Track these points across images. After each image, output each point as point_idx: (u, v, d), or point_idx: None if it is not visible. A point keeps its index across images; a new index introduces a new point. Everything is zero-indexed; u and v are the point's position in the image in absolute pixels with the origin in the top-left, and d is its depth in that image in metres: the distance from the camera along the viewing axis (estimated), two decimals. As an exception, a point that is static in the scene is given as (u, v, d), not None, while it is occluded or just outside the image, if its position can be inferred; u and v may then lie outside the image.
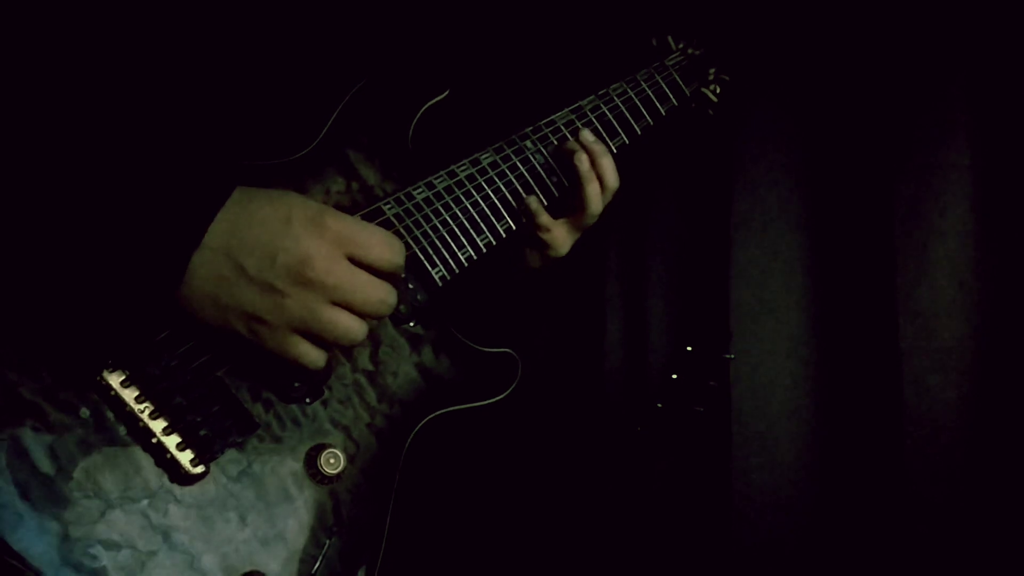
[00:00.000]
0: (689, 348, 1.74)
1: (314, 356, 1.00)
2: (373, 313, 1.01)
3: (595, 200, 1.30)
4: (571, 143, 1.31)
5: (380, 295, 1.00)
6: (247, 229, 0.95)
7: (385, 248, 1.01)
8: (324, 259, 0.96)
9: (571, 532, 1.73)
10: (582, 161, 1.28)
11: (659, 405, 1.73)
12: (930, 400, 1.62)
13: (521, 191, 1.29)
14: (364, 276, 0.99)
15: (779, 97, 1.74)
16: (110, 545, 0.94)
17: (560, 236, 1.32)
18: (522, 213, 1.29)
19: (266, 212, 0.97)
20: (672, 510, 1.74)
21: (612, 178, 1.30)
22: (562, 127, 1.34)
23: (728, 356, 1.71)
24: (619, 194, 1.39)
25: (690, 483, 1.75)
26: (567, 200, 1.33)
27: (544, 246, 1.32)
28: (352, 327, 0.99)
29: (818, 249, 1.74)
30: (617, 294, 1.82)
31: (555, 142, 1.32)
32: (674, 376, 1.73)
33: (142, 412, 0.98)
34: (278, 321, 0.96)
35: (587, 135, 1.31)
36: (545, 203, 1.30)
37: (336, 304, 0.98)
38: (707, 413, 1.72)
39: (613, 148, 1.37)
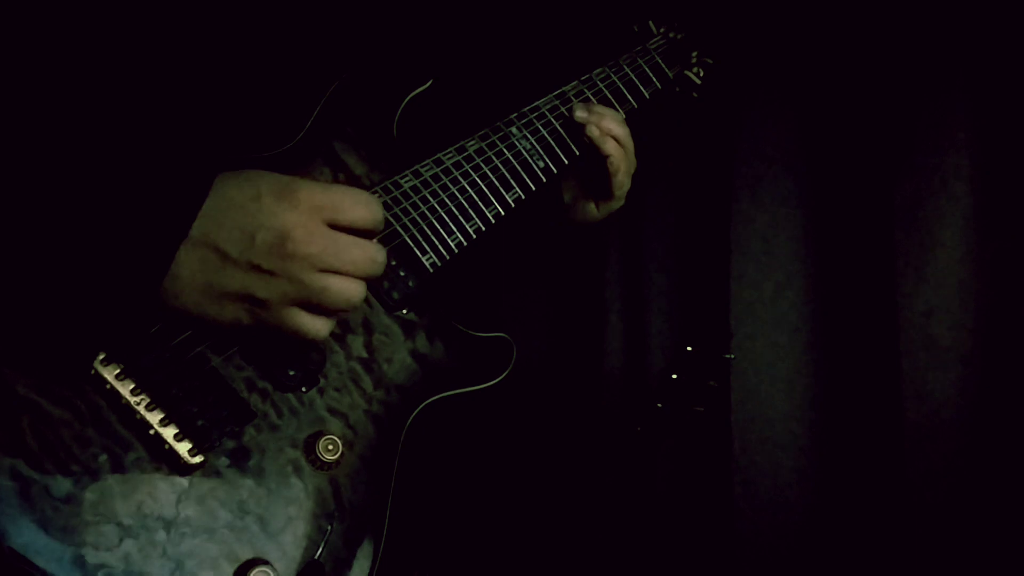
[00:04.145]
0: (689, 348, 1.74)
1: (317, 326, 1.00)
2: (363, 273, 1.00)
3: (619, 155, 1.36)
4: (572, 120, 1.36)
5: (367, 253, 1.00)
6: (222, 214, 0.95)
7: (361, 206, 1.01)
8: (302, 229, 0.96)
9: (572, 532, 1.73)
10: (591, 128, 1.34)
11: (659, 405, 1.73)
12: (930, 400, 1.62)
13: (508, 177, 1.30)
14: (346, 238, 0.99)
15: (779, 97, 1.75)
16: (109, 535, 0.94)
17: (626, 186, 1.41)
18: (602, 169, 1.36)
19: (235, 194, 0.96)
20: (673, 510, 1.74)
21: (622, 131, 1.37)
22: (546, 112, 1.36)
23: (728, 356, 1.71)
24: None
25: (690, 483, 1.74)
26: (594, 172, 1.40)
27: (612, 199, 1.41)
28: (346, 289, 0.99)
29: (818, 249, 1.74)
30: (617, 294, 1.82)
31: (548, 122, 1.35)
32: (674, 376, 1.73)
33: (138, 404, 0.98)
34: (273, 298, 0.97)
35: (579, 111, 1.36)
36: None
37: (325, 271, 0.98)
38: (707, 413, 1.72)
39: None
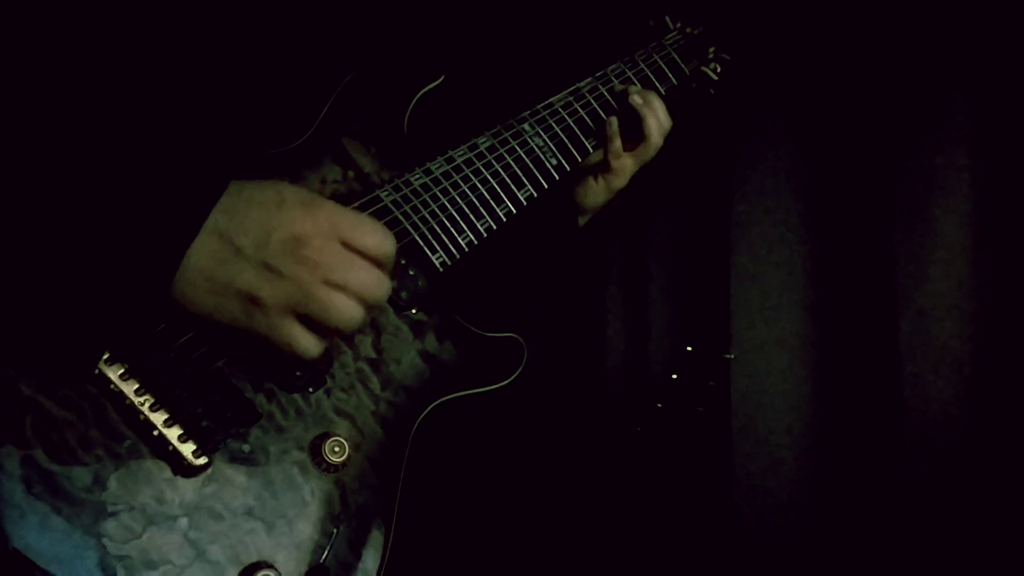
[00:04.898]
0: (689, 348, 1.74)
1: (308, 343, 0.97)
2: (368, 297, 0.99)
3: (656, 130, 1.39)
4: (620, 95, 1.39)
5: (375, 279, 0.99)
6: (242, 211, 0.95)
7: (377, 235, 1.00)
8: (319, 238, 0.95)
9: (574, 532, 1.73)
10: (634, 97, 1.37)
11: (659, 405, 1.73)
12: (930, 400, 1.63)
13: (520, 174, 1.28)
14: (359, 259, 0.98)
15: (780, 98, 1.75)
16: (112, 536, 0.93)
17: (627, 164, 1.42)
18: (601, 136, 1.38)
19: (259, 197, 0.96)
20: (673, 510, 1.74)
21: (664, 115, 1.41)
22: (560, 109, 1.34)
23: (728, 356, 1.71)
24: (619, 195, 1.42)
25: (690, 483, 1.74)
26: (630, 136, 1.41)
27: (610, 171, 1.42)
28: (348, 309, 0.97)
29: (818, 249, 1.74)
30: (618, 294, 1.82)
31: (562, 119, 1.35)
32: (674, 376, 1.73)
33: (142, 405, 0.97)
34: (273, 301, 0.95)
35: (634, 93, 1.39)
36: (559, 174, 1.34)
37: (331, 285, 0.96)
38: (707, 413, 1.72)
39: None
